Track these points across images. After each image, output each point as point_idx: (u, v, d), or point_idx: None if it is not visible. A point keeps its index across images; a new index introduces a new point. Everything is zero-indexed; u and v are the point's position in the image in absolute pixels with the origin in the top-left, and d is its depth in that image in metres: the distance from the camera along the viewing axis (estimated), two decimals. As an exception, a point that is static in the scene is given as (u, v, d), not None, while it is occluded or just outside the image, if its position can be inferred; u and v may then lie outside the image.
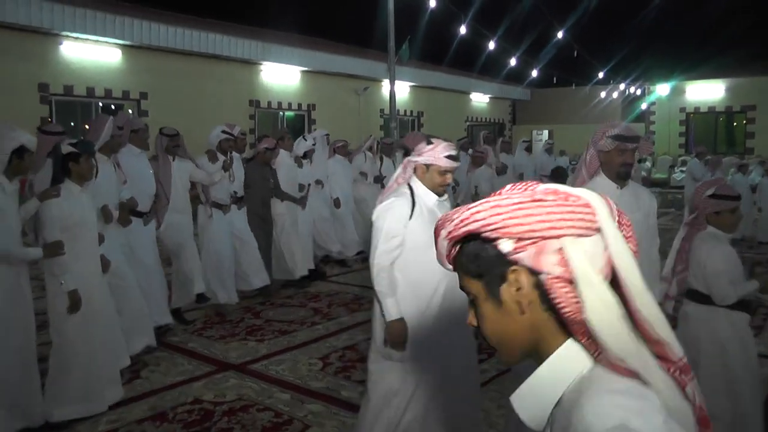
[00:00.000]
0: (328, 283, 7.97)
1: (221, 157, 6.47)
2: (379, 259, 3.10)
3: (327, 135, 9.14)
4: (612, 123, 3.41)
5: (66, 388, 4.06)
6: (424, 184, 3.16)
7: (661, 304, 3.46)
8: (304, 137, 8.36)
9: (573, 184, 3.09)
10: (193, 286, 6.18)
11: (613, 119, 27.74)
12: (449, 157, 3.11)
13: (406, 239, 3.09)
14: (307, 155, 8.14)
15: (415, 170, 3.20)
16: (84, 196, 4.15)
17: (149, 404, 4.39)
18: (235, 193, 6.79)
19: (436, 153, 3.09)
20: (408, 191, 3.16)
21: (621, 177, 3.29)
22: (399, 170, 3.26)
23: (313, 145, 8.24)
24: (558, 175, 8.73)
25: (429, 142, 3.18)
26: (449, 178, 3.17)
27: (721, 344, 3.30)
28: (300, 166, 7.93)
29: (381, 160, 9.81)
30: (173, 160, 6.01)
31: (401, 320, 3.09)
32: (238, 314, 6.54)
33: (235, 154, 6.78)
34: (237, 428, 4.03)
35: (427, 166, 3.13)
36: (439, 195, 3.20)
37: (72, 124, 13.66)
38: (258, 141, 7.39)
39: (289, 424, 4.09)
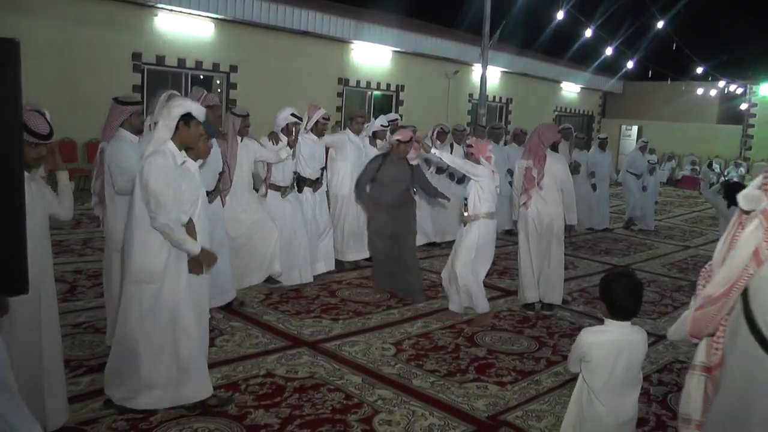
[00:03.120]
0: (405, 266, 7.86)
1: (283, 138, 6.29)
2: None
3: (395, 120, 8.60)
4: None
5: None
6: None
7: None
8: (374, 118, 8.09)
9: None
10: (258, 272, 6.23)
11: (708, 119, 26.54)
12: None
13: None
14: (377, 136, 7.90)
15: None
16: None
17: (222, 373, 4.42)
18: (296, 173, 6.63)
19: None
20: None
21: None
22: None
23: (384, 126, 7.93)
24: (734, 191, 7.20)
25: None
26: None
27: None
28: (374, 145, 7.79)
29: (451, 147, 9.18)
30: (241, 141, 5.94)
31: None
32: (314, 291, 6.52)
33: (312, 136, 6.74)
34: (307, 406, 3.99)
35: None
36: None
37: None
38: (391, 132, 7.03)
39: (358, 407, 4.03)
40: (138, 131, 4.66)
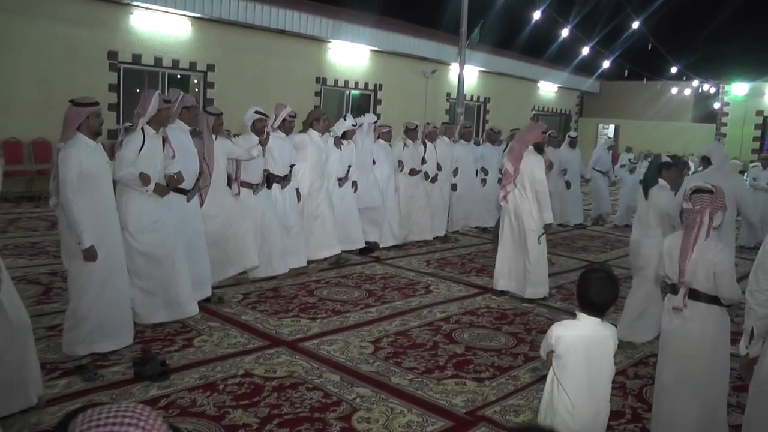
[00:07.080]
0: (384, 265, 7.89)
1: (254, 137, 6.50)
2: None
3: (374, 123, 8.61)
4: None
5: (84, 330, 4.56)
6: None
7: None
8: (344, 117, 8.07)
9: None
10: (236, 264, 6.35)
11: (683, 118, 26.91)
12: None
13: None
14: (346, 136, 7.93)
15: None
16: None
17: (200, 373, 4.39)
18: (266, 171, 6.71)
19: None
20: None
21: None
22: None
23: (354, 125, 7.95)
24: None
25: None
26: None
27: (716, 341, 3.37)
28: (339, 148, 7.82)
29: (424, 145, 9.20)
30: (215, 139, 6.03)
31: None
32: (292, 291, 6.52)
33: (280, 134, 6.89)
34: (286, 405, 3.99)
35: None
36: None
37: (138, 91, 13.99)
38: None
39: (337, 405, 4.03)
40: (95, 133, 4.49)
